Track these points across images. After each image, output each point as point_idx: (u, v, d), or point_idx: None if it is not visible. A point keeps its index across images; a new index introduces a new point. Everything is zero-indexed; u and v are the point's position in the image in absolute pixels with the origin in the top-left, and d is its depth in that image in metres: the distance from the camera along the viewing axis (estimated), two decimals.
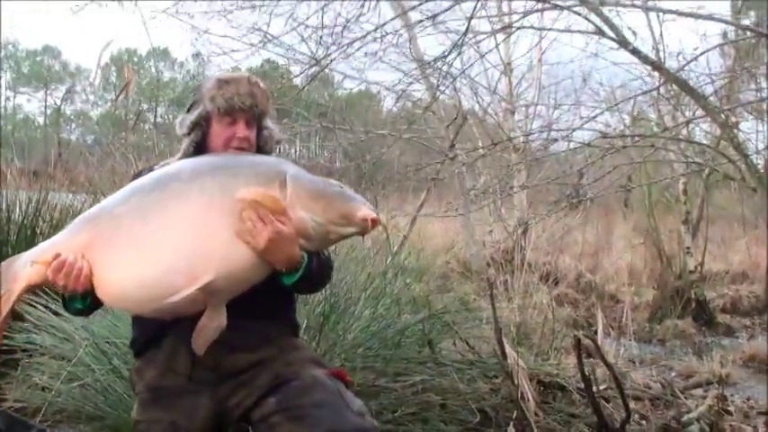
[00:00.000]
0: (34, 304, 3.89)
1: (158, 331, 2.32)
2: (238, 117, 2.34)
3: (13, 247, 5.48)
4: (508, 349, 4.09)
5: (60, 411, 3.75)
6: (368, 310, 4.21)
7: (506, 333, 4.57)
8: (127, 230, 2.13)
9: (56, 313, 3.93)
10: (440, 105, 9.23)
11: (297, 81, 7.51)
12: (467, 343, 4.57)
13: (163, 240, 2.09)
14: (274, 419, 2.20)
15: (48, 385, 3.83)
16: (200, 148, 2.40)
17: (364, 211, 2.12)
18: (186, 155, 2.38)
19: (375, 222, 2.14)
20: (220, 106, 2.33)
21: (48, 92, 57.83)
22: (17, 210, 5.54)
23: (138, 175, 2.51)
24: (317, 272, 2.30)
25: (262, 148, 2.47)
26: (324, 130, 8.53)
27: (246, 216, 2.07)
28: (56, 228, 5.45)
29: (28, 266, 2.20)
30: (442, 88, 6.94)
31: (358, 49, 6.20)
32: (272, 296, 2.27)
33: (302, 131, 8.23)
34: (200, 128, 2.39)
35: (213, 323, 2.14)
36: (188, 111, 2.44)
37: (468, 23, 5.35)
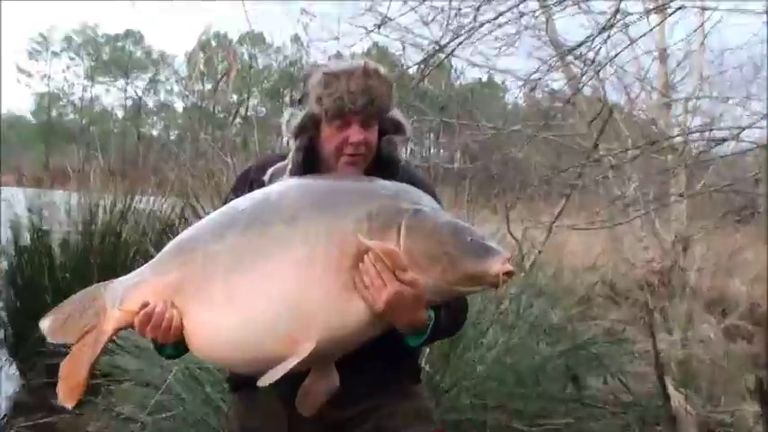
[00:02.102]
0: None
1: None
2: (351, 119, 2.25)
3: (95, 255, 5.72)
4: (671, 390, 4.00)
5: None
6: (502, 337, 4.16)
7: (667, 371, 4.47)
8: (221, 280, 2.11)
9: None
10: (581, 98, 9.09)
11: (410, 69, 7.49)
12: (620, 381, 4.47)
13: (259, 296, 2.06)
14: None
15: (132, 416, 3.93)
16: (310, 151, 2.34)
17: (497, 267, 2.01)
18: (295, 164, 2.32)
19: (510, 275, 2.05)
20: (328, 109, 2.24)
21: (128, 81, 60.17)
22: (100, 214, 5.75)
23: (245, 174, 2.52)
24: (447, 324, 2.25)
25: (385, 149, 2.37)
26: (442, 125, 8.49)
27: (364, 269, 2.02)
28: (143, 235, 5.64)
29: (116, 309, 2.23)
30: (585, 78, 6.79)
31: (488, 33, 6.12)
32: (391, 335, 2.17)
33: (417, 127, 8.20)
34: (307, 131, 2.32)
35: (321, 386, 2.13)
36: (299, 102, 2.34)
37: (619, 3, 5.24)
